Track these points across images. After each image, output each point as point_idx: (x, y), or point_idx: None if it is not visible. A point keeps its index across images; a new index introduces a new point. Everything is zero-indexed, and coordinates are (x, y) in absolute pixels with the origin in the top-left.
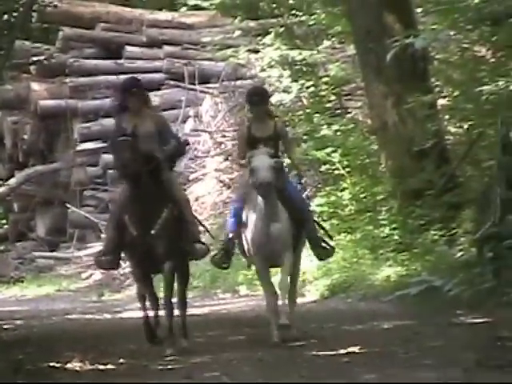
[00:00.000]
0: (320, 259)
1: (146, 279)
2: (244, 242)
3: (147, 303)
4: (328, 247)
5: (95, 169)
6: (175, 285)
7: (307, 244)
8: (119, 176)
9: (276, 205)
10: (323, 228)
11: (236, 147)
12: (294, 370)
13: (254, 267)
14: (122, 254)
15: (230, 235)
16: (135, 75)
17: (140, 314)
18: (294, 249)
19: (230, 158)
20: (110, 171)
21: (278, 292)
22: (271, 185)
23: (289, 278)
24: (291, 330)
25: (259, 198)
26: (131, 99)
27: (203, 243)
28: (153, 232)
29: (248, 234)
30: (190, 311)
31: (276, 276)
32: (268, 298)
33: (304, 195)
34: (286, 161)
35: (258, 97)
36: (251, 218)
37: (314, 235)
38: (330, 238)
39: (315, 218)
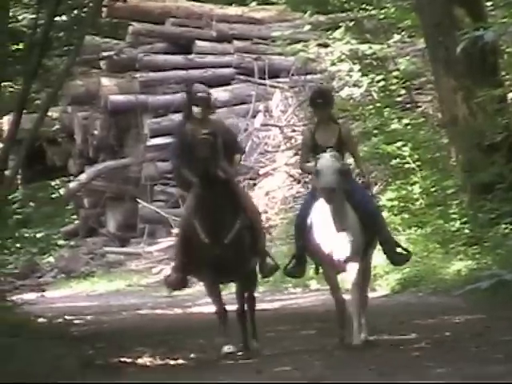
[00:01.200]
0: (395, 265)
1: (215, 288)
2: (312, 248)
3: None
4: (404, 252)
5: (165, 164)
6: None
7: (381, 249)
8: (191, 178)
9: (344, 210)
10: (397, 243)
11: (299, 153)
12: (364, 364)
13: (321, 271)
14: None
15: (300, 243)
16: (205, 70)
17: (210, 308)
18: (365, 253)
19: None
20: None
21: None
22: (336, 190)
23: (357, 287)
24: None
25: (331, 205)
26: (196, 107)
27: (272, 259)
28: (226, 241)
29: (316, 241)
30: (261, 306)
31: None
32: (337, 303)
33: (375, 200)
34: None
35: (323, 99)
36: (319, 223)
37: (389, 240)
38: (405, 250)
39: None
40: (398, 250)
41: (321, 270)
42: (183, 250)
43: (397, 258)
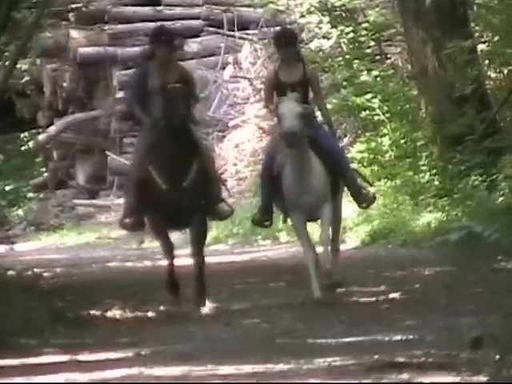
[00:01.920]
0: (361, 207)
1: (167, 234)
2: (279, 196)
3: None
4: (370, 194)
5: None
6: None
7: (347, 192)
8: (144, 119)
9: (308, 155)
10: (362, 175)
11: (263, 92)
12: (334, 316)
13: (290, 221)
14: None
15: (266, 191)
16: (173, 22)
17: (180, 262)
18: (332, 198)
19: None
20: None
21: (319, 247)
22: (298, 134)
23: (330, 230)
24: (333, 277)
25: (293, 151)
26: (160, 49)
27: (228, 204)
28: (184, 185)
29: (282, 188)
30: (230, 258)
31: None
32: (306, 253)
33: (339, 142)
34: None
35: (286, 39)
36: (284, 170)
37: (354, 183)
38: (370, 184)
39: (353, 165)
40: (364, 191)
41: (289, 220)
42: (137, 194)
43: (362, 199)
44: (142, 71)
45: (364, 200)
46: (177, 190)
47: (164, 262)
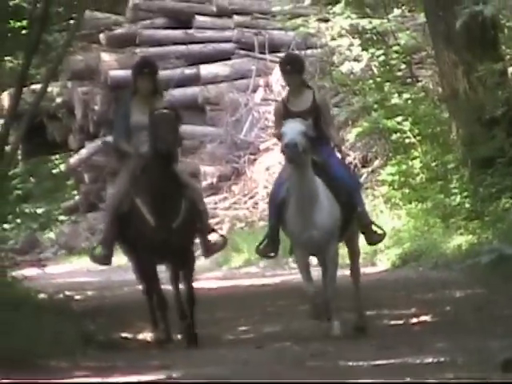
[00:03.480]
0: (370, 244)
1: (155, 275)
2: (283, 226)
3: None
4: (380, 231)
5: None
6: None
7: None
8: (130, 151)
9: (314, 184)
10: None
11: (273, 123)
12: (365, 340)
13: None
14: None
15: (272, 221)
16: (205, 45)
17: (211, 284)
18: (347, 229)
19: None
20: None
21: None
22: (298, 148)
23: (334, 271)
24: (360, 319)
25: (295, 175)
26: (141, 81)
27: (220, 234)
28: (174, 225)
29: (287, 218)
30: (261, 281)
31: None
32: (306, 290)
33: (352, 172)
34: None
35: (292, 65)
36: (289, 200)
37: (365, 218)
38: (380, 229)
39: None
40: (374, 228)
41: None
42: (116, 228)
43: (373, 237)
44: (124, 105)
45: (373, 237)
46: (166, 227)
47: (195, 285)
